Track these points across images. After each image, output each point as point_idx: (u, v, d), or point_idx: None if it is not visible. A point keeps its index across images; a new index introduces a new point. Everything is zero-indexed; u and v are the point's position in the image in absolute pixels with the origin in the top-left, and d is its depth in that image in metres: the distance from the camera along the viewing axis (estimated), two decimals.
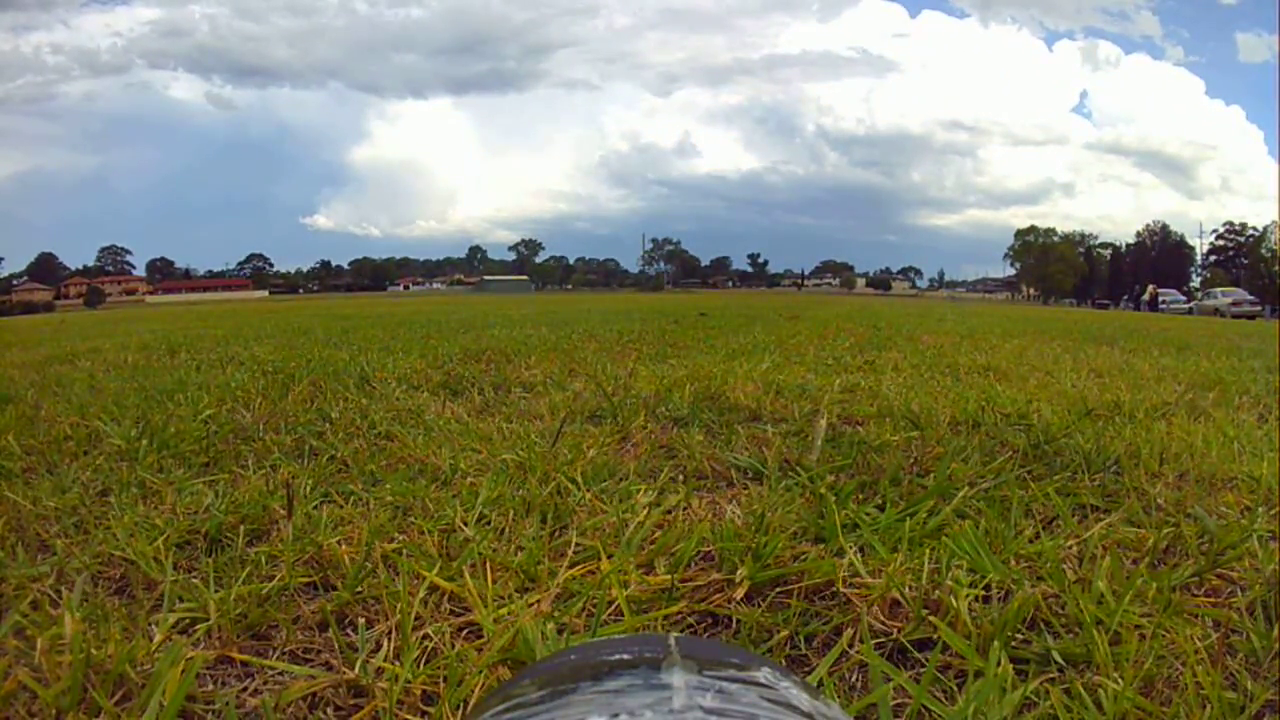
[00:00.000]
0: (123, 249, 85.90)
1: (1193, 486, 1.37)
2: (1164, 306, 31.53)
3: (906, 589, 0.88)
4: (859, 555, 0.98)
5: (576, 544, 1.03)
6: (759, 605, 0.89)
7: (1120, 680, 0.70)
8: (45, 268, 79.74)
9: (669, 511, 1.17)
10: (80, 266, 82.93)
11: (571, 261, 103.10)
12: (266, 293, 77.68)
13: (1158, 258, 63.49)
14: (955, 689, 0.73)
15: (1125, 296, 51.51)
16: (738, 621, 0.86)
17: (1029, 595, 0.84)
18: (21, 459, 1.56)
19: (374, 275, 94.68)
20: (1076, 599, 0.85)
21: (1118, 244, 70.98)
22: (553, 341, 4.33)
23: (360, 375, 2.75)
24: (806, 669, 0.78)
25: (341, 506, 1.21)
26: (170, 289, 79.28)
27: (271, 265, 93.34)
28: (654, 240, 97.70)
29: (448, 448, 1.58)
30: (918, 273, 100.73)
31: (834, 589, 0.92)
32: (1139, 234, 68.97)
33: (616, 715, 0.23)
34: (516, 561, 0.97)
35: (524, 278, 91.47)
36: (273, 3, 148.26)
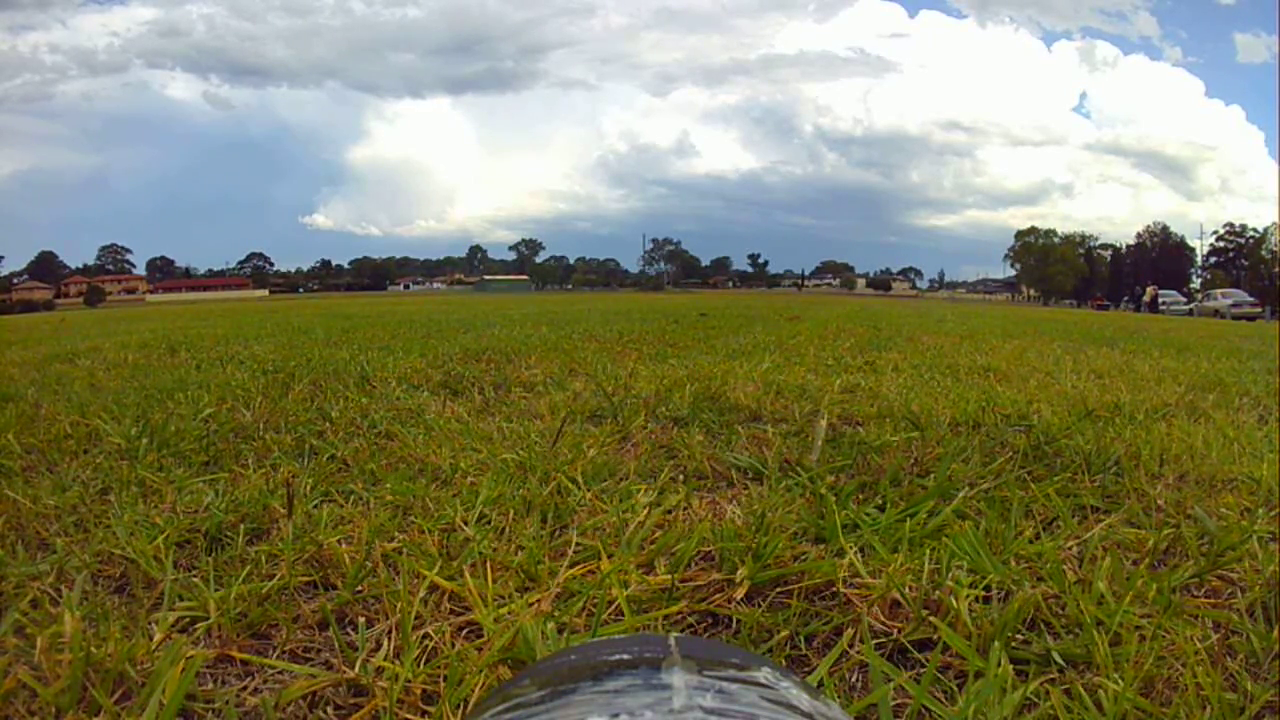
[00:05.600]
0: (123, 248, 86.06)
1: (1193, 488, 1.37)
2: (1164, 308, 31.48)
3: (907, 589, 0.88)
4: (859, 555, 0.98)
5: (577, 544, 1.03)
6: (759, 605, 0.89)
7: (1120, 681, 0.70)
8: (45, 266, 79.75)
9: (669, 511, 1.17)
10: (80, 265, 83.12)
11: (571, 261, 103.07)
12: (266, 292, 77.68)
13: (1158, 259, 63.45)
14: (955, 689, 0.73)
15: (1125, 298, 51.49)
16: (738, 621, 0.86)
17: (1029, 596, 0.84)
18: (22, 457, 1.56)
19: (374, 275, 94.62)
20: (1077, 599, 0.85)
21: (1118, 245, 71.02)
22: (553, 341, 4.32)
23: (360, 374, 2.75)
24: (806, 669, 0.78)
25: (342, 506, 1.21)
26: (170, 288, 79.27)
27: (271, 264, 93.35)
28: (654, 240, 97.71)
29: (448, 447, 1.58)
30: (918, 273, 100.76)
31: (834, 589, 0.92)
32: (1139, 235, 68.95)
33: (616, 715, 0.23)
34: (517, 561, 0.97)
35: (524, 277, 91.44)
36: (269, 2, 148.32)
